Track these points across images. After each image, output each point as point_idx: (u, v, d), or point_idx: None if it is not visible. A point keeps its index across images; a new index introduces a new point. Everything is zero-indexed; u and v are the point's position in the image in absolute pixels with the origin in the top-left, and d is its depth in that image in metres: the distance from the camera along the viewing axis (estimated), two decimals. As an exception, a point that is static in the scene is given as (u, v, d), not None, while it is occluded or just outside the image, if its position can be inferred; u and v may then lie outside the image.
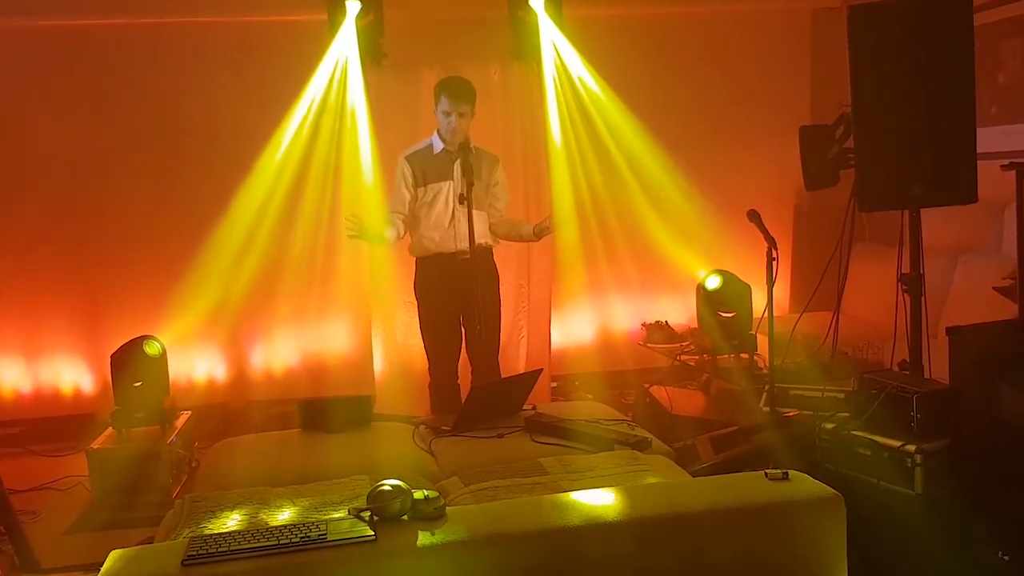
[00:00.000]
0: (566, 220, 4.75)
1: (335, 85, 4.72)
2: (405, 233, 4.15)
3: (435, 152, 4.03)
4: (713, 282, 4.91)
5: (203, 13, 4.97)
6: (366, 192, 4.78)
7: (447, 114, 3.94)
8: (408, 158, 4.09)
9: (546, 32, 4.80)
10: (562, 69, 4.90)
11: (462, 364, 4.24)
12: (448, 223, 4.02)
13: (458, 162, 3.93)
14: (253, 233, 4.90)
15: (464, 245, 3.92)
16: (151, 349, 4.23)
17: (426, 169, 4.04)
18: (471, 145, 4.00)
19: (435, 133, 4.06)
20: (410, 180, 4.06)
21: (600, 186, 5.20)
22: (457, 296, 4.02)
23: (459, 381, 4.26)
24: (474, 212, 3.95)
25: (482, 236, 4.07)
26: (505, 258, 4.54)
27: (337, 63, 4.68)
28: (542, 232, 4.16)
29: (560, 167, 4.96)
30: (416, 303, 4.28)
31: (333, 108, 4.77)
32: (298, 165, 4.87)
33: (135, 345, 4.24)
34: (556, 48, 4.83)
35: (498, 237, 4.26)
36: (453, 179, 3.99)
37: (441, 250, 4.04)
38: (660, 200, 5.26)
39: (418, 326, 4.27)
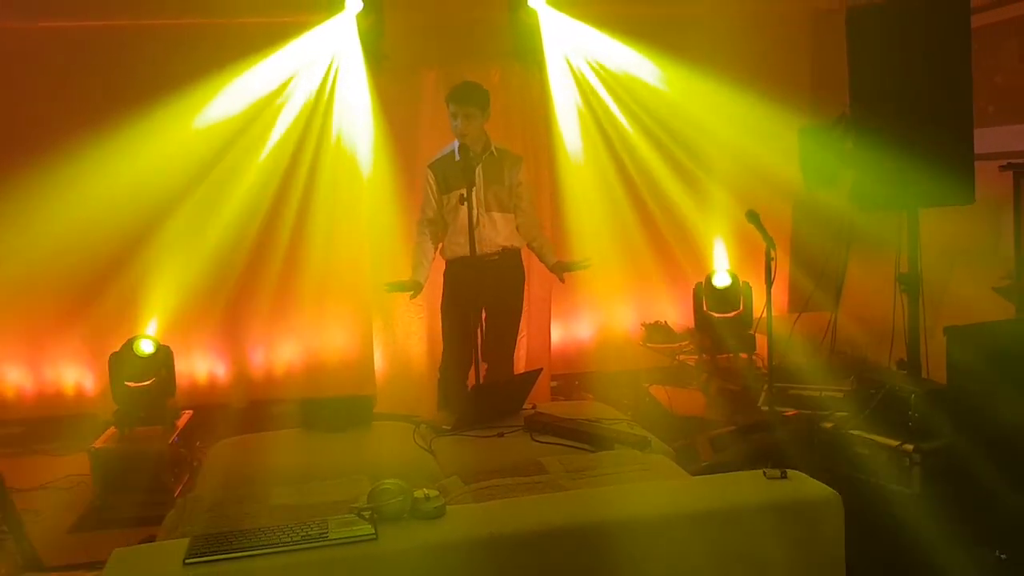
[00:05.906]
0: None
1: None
2: (435, 254, 4.19)
3: (456, 159, 4.04)
4: (722, 280, 4.91)
5: (191, 15, 4.91)
6: (366, 191, 4.81)
7: (454, 116, 3.97)
8: (431, 166, 4.13)
9: (551, 31, 4.80)
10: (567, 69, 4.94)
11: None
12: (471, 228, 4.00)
13: (479, 167, 3.98)
14: (256, 232, 4.91)
15: (488, 249, 4.00)
16: (141, 348, 4.22)
17: (448, 176, 4.06)
18: (492, 148, 4.06)
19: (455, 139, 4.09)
20: (435, 188, 4.10)
21: (599, 186, 5.19)
22: (479, 291, 4.02)
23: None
24: (500, 214, 4.04)
25: (508, 239, 4.11)
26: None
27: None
28: (563, 270, 4.23)
29: (566, 169, 4.98)
30: (440, 300, 4.29)
31: (325, 108, 4.81)
32: (298, 165, 4.88)
33: (131, 344, 4.24)
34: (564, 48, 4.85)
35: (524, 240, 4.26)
36: (475, 184, 3.98)
37: (466, 254, 4.02)
38: (659, 200, 5.26)
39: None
